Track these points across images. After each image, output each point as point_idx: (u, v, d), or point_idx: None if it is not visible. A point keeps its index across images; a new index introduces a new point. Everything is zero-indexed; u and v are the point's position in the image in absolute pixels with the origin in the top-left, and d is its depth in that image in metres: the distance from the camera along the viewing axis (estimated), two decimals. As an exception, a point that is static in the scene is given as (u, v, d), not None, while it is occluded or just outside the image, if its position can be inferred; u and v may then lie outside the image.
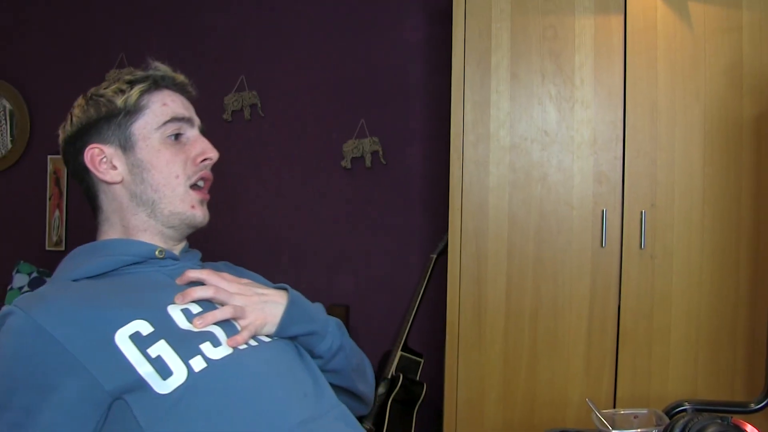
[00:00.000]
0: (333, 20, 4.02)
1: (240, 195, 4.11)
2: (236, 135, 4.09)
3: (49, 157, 4.24)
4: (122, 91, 1.57)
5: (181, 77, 1.71)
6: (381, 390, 3.70)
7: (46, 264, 4.09)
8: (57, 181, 4.24)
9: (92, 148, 1.56)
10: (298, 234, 4.07)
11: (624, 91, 3.04)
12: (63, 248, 4.23)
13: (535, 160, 3.10)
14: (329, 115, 4.02)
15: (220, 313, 1.45)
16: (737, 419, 1.94)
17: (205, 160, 1.64)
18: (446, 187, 3.17)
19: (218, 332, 1.43)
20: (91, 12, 4.18)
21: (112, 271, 1.52)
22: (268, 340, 1.52)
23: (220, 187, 4.12)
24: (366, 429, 3.66)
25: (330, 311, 3.87)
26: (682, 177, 3.01)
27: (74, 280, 1.48)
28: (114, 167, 1.57)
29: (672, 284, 3.03)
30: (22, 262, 3.99)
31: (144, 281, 1.51)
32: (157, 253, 1.57)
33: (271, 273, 4.02)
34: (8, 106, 4.25)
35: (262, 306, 1.54)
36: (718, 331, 3.01)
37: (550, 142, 3.09)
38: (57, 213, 4.24)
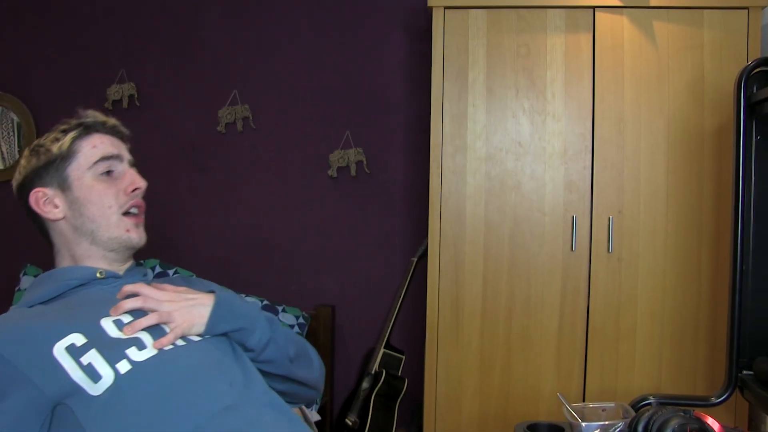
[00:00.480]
0: (320, 39, 4.00)
1: (233, 202, 4.08)
2: (230, 146, 4.07)
3: (52, 166, 4.21)
4: (58, 140, 1.70)
5: (112, 121, 1.81)
6: (365, 385, 3.69)
7: (51, 266, 4.04)
8: (60, 190, 4.22)
9: (36, 192, 1.70)
10: (288, 238, 4.05)
11: (593, 104, 3.04)
12: (65, 252, 4.19)
13: (510, 169, 3.09)
14: (316, 127, 4.00)
15: (146, 320, 1.54)
16: (698, 412, 1.94)
17: (134, 189, 1.72)
18: (426, 195, 3.16)
19: (145, 337, 1.52)
20: (93, 30, 4.15)
21: (61, 294, 1.65)
22: (198, 339, 1.60)
23: (215, 194, 4.13)
24: (351, 422, 3.65)
25: (317, 311, 3.88)
26: (647, 185, 3.01)
27: (30, 306, 1.61)
28: (56, 206, 1.69)
29: (638, 286, 3.02)
30: (28, 265, 3.95)
31: (85, 299, 1.62)
32: (98, 274, 1.68)
33: (262, 275, 4.04)
34: (15, 118, 4.22)
35: (190, 309, 1.62)
36: (680, 330, 3.02)
37: (524, 153, 3.08)
38: (60, 219, 4.22)
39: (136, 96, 4.12)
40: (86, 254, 1.71)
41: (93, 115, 1.78)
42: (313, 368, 1.91)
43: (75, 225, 1.69)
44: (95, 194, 1.68)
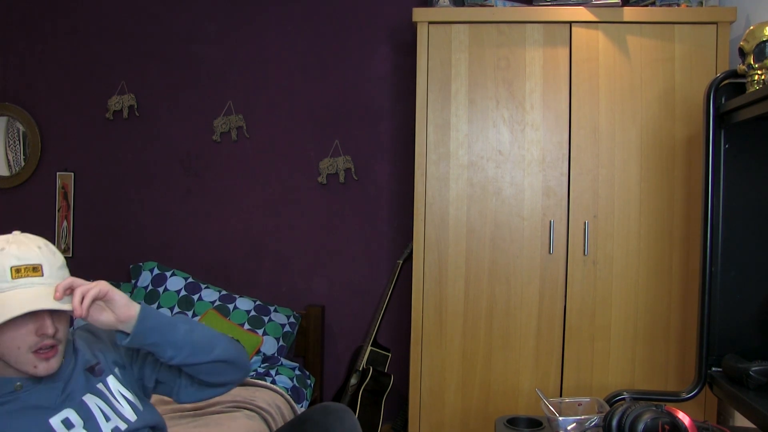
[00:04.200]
0: (311, 52, 3.99)
1: (227, 207, 4.06)
2: (224, 154, 4.05)
3: (57, 173, 4.17)
4: None
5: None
6: (353, 381, 3.67)
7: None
8: (65, 195, 4.18)
9: None
10: (279, 242, 4.03)
11: (569, 115, 3.03)
12: (71, 255, 4.16)
13: (491, 176, 3.07)
14: (307, 136, 3.99)
15: (93, 290, 1.65)
16: (670, 407, 1.93)
17: (42, 334, 1.65)
18: (411, 200, 3.15)
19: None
20: (95, 45, 4.13)
21: None
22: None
23: (210, 200, 4.11)
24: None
25: (307, 311, 3.87)
26: (621, 191, 3.00)
27: None
28: None
29: (612, 287, 3.02)
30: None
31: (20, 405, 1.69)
32: (15, 387, 1.69)
33: (254, 277, 4.01)
34: (21, 128, 4.19)
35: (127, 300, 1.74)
36: (653, 329, 3.01)
37: (504, 161, 3.07)
38: (65, 224, 4.18)
39: (135, 106, 4.11)
40: (2, 368, 1.69)
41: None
42: (223, 347, 1.92)
43: None
44: (6, 337, 1.62)
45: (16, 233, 1.73)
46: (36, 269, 1.65)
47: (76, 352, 1.83)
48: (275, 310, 3.79)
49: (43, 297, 1.62)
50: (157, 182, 4.11)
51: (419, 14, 3.09)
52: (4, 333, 1.60)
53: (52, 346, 1.67)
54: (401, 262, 3.77)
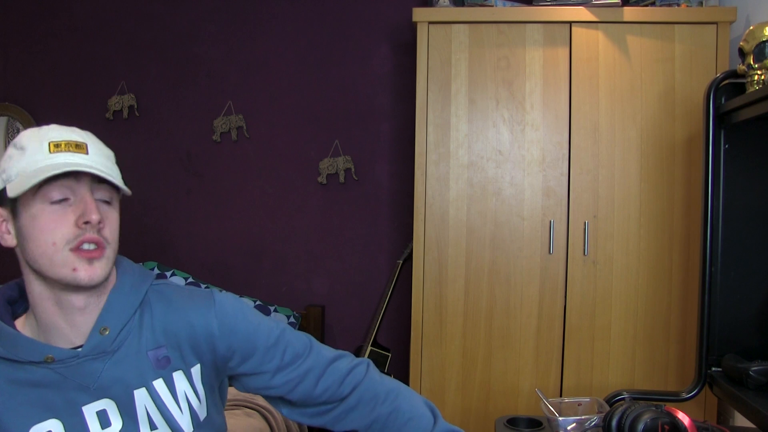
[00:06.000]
0: (311, 52, 3.99)
1: (228, 207, 4.06)
2: (224, 154, 4.05)
3: (55, 173, 4.19)
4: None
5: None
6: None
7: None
8: (64, 195, 4.20)
9: None
10: (279, 242, 4.03)
11: (569, 115, 3.03)
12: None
13: (491, 176, 3.07)
14: (307, 136, 3.99)
15: None
16: (670, 407, 1.92)
17: (86, 222, 1.28)
18: (411, 200, 3.14)
19: None
20: (95, 45, 4.13)
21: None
22: None
23: (210, 200, 4.11)
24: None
25: (307, 311, 3.87)
26: (621, 191, 3.00)
27: None
28: (8, 231, 1.33)
29: (612, 287, 3.01)
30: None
31: (52, 378, 1.33)
32: (45, 358, 1.31)
33: (255, 277, 4.03)
34: (21, 127, 4.18)
35: None
36: (653, 329, 3.01)
37: (504, 161, 3.07)
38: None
39: (136, 107, 4.11)
40: (39, 297, 1.33)
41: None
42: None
43: (24, 259, 1.32)
44: (38, 228, 1.28)
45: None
46: (80, 146, 1.33)
47: (142, 320, 1.42)
48: (275, 310, 3.79)
49: (85, 165, 1.30)
50: (157, 182, 4.11)
51: (419, 14, 3.09)
52: (35, 221, 1.27)
53: (97, 246, 1.30)
54: (401, 262, 3.77)
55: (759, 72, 2.20)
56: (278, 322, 1.58)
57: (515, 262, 3.07)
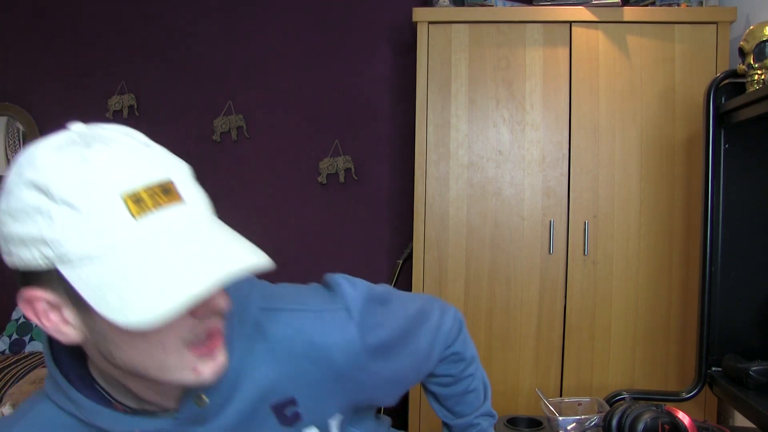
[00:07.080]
0: (311, 52, 3.99)
1: (227, 208, 4.05)
2: (224, 154, 4.04)
3: (55, 173, 4.19)
4: None
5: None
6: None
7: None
8: (63, 196, 4.19)
9: (30, 293, 0.87)
10: (279, 242, 4.03)
11: (569, 114, 3.03)
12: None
13: (491, 176, 3.07)
14: (307, 136, 3.99)
15: None
16: (670, 407, 1.92)
17: (209, 312, 0.92)
18: (411, 200, 3.15)
19: None
20: (95, 44, 4.13)
21: None
22: None
23: (210, 200, 4.08)
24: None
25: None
26: (621, 191, 3.00)
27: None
28: (66, 321, 0.87)
29: (612, 287, 3.01)
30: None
31: None
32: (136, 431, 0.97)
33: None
34: (21, 127, 4.18)
35: None
36: (653, 329, 3.01)
37: (504, 161, 3.07)
38: (64, 224, 4.19)
39: (135, 106, 4.11)
40: (122, 379, 0.94)
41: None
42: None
43: (104, 355, 0.90)
44: (139, 334, 0.85)
45: (79, 125, 0.96)
46: (168, 191, 0.90)
47: (254, 365, 1.05)
48: (275, 310, 3.77)
49: (222, 249, 0.94)
50: (157, 182, 4.09)
51: (419, 14, 3.08)
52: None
53: (214, 333, 0.93)
54: (401, 261, 3.77)
55: (759, 72, 2.20)
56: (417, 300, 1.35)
57: (515, 262, 3.07)
